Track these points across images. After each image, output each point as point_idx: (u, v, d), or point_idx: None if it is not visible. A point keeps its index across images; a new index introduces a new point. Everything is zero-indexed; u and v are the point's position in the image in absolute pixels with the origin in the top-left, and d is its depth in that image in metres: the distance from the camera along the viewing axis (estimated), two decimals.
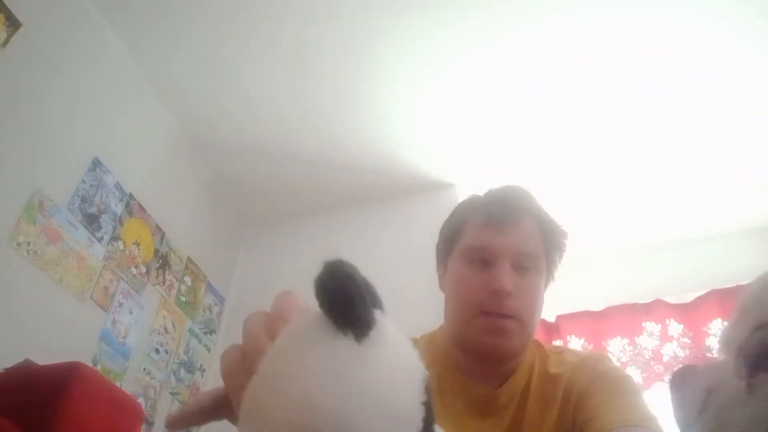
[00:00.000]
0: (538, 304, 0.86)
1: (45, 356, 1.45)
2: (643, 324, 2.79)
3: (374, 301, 0.48)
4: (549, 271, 0.90)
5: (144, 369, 2.13)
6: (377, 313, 0.47)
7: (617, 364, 0.94)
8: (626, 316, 2.82)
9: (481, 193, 0.95)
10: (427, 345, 0.93)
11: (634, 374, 2.67)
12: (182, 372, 2.36)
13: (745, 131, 2.41)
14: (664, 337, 2.72)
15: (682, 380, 0.51)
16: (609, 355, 0.98)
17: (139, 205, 2.27)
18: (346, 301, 0.44)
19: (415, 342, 0.93)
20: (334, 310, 0.45)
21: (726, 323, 0.51)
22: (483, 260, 0.85)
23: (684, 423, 0.50)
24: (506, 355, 0.85)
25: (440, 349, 0.90)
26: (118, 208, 2.15)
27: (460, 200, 0.98)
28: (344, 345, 0.44)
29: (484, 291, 0.82)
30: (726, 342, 0.49)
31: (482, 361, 0.86)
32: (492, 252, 0.84)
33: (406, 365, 0.48)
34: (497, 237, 0.84)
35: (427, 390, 0.48)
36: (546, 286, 0.90)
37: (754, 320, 0.46)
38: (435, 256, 0.97)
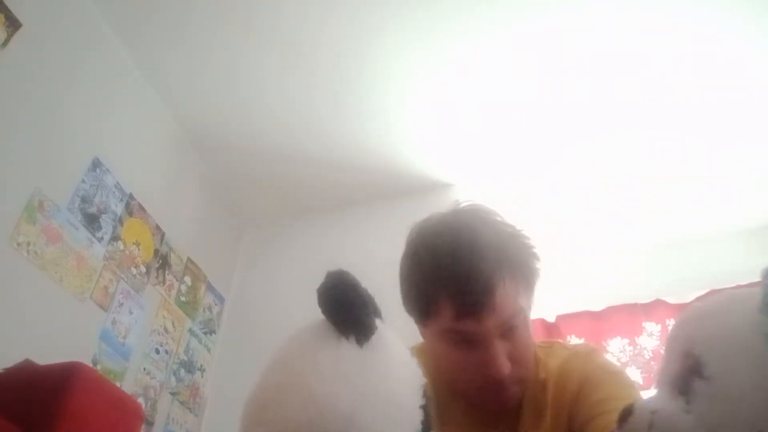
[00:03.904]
0: (531, 347, 0.84)
1: (45, 356, 1.45)
2: (643, 324, 2.79)
3: (374, 310, 0.50)
4: (531, 300, 0.85)
5: (144, 369, 2.13)
6: (377, 321, 0.48)
7: (606, 357, 0.94)
8: (626, 316, 2.82)
9: (435, 231, 0.82)
10: (419, 358, 0.91)
11: (634, 374, 2.68)
12: (182, 372, 2.36)
13: (745, 131, 2.41)
14: (664, 337, 2.72)
15: (629, 411, 0.56)
16: (597, 349, 0.96)
17: (139, 205, 2.27)
18: (347, 308, 0.46)
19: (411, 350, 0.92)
20: (337, 317, 0.47)
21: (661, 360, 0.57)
22: (467, 340, 0.78)
23: None
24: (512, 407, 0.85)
25: (431, 364, 0.83)
26: (118, 208, 2.15)
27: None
28: (347, 349, 0.45)
29: (480, 374, 0.78)
30: (661, 375, 0.55)
31: None
32: (475, 335, 0.77)
33: (405, 370, 0.49)
34: (475, 325, 0.76)
35: (425, 395, 0.49)
36: (531, 309, 0.86)
37: (682, 349, 0.52)
38: (402, 304, 0.86)
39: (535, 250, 0.84)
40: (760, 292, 0.49)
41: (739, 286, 0.60)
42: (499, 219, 0.85)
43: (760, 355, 0.45)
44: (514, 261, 0.81)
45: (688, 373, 0.49)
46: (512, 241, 0.83)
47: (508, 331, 0.79)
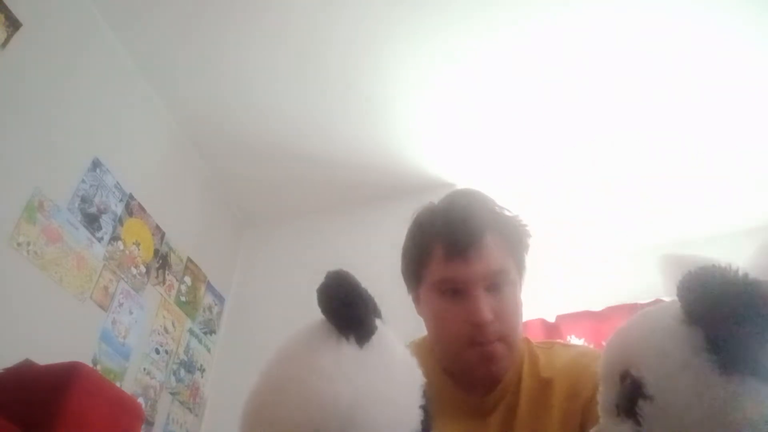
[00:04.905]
0: (519, 315, 0.87)
1: (45, 356, 1.45)
2: None
3: (374, 310, 0.50)
4: (521, 272, 0.90)
5: (144, 369, 2.13)
6: (377, 322, 0.48)
7: None
8: (626, 316, 2.81)
9: (435, 203, 0.92)
10: (416, 351, 0.94)
11: None
12: (182, 372, 2.36)
13: (745, 131, 2.41)
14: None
15: None
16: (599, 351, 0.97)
17: (139, 205, 2.27)
18: (348, 308, 0.46)
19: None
20: (337, 317, 0.47)
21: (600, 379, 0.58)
22: (455, 290, 0.84)
23: None
24: (499, 378, 0.87)
25: (428, 355, 0.90)
26: (118, 208, 2.15)
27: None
28: (347, 349, 0.45)
29: (466, 323, 0.82)
30: (603, 402, 0.55)
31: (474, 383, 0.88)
32: (462, 282, 0.83)
33: (405, 370, 0.49)
34: (463, 267, 0.82)
35: (425, 395, 0.49)
36: (521, 285, 0.90)
37: (619, 372, 0.52)
38: (403, 277, 0.95)
39: (527, 228, 0.91)
40: (679, 303, 0.51)
41: (650, 303, 0.62)
42: (496, 202, 0.92)
43: (692, 364, 0.46)
44: (506, 226, 0.88)
45: (629, 394, 0.50)
46: (507, 216, 0.90)
47: (494, 287, 0.83)
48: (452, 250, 0.83)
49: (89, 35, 2.13)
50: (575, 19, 2.08)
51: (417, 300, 0.93)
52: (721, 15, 2.02)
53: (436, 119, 2.48)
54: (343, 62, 2.29)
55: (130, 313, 2.11)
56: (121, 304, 2.06)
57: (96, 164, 2.07)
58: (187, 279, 2.52)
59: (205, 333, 2.57)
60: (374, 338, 0.46)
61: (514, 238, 0.88)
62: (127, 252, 2.15)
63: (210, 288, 2.67)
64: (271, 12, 2.13)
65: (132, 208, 2.23)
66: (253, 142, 2.64)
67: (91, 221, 2.00)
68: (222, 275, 2.78)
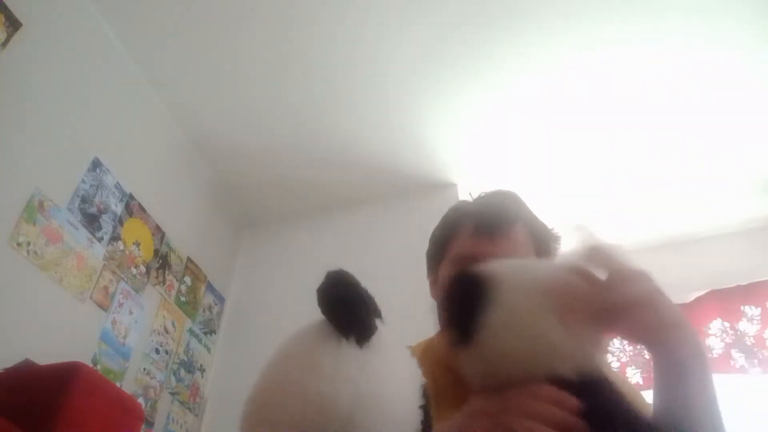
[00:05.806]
0: None
1: (45, 356, 1.45)
2: None
3: (374, 310, 0.50)
4: None
5: (144, 369, 2.13)
6: (377, 322, 0.48)
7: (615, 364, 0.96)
8: None
9: (472, 197, 0.95)
10: (424, 352, 0.92)
11: (634, 374, 2.68)
12: (182, 372, 2.36)
13: (745, 131, 2.41)
14: None
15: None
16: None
17: (139, 205, 2.27)
18: (348, 309, 0.46)
19: (411, 350, 0.93)
20: (337, 317, 0.47)
21: None
22: None
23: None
24: None
25: (437, 357, 0.90)
26: (118, 208, 2.15)
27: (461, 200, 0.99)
28: (347, 349, 0.45)
29: None
30: None
31: None
32: (483, 260, 0.82)
33: (404, 371, 0.49)
34: (487, 245, 0.84)
35: (425, 395, 0.49)
36: None
37: None
38: (426, 262, 0.97)
39: (560, 240, 0.92)
40: None
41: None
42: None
43: None
44: (538, 227, 0.90)
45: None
46: (541, 221, 0.92)
47: None
48: (482, 226, 0.86)
49: (89, 35, 2.13)
50: (575, 20, 2.07)
51: (434, 282, 0.94)
52: (721, 16, 2.02)
53: (437, 119, 2.48)
54: (345, 64, 2.29)
55: (130, 313, 2.11)
56: (121, 304, 2.06)
57: (96, 164, 2.07)
58: (187, 279, 2.52)
59: (205, 333, 2.57)
60: (374, 338, 0.46)
61: (542, 239, 0.90)
62: (127, 252, 2.15)
63: (210, 288, 2.67)
64: (270, 15, 2.13)
65: (132, 208, 2.23)
66: (253, 142, 2.64)
67: (91, 221, 2.00)
68: (222, 275, 2.78)
